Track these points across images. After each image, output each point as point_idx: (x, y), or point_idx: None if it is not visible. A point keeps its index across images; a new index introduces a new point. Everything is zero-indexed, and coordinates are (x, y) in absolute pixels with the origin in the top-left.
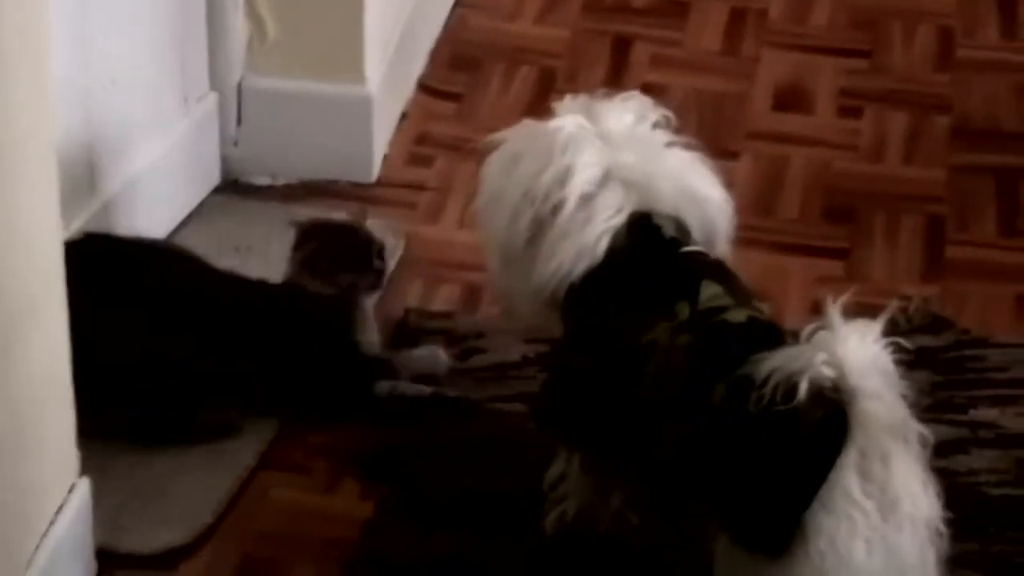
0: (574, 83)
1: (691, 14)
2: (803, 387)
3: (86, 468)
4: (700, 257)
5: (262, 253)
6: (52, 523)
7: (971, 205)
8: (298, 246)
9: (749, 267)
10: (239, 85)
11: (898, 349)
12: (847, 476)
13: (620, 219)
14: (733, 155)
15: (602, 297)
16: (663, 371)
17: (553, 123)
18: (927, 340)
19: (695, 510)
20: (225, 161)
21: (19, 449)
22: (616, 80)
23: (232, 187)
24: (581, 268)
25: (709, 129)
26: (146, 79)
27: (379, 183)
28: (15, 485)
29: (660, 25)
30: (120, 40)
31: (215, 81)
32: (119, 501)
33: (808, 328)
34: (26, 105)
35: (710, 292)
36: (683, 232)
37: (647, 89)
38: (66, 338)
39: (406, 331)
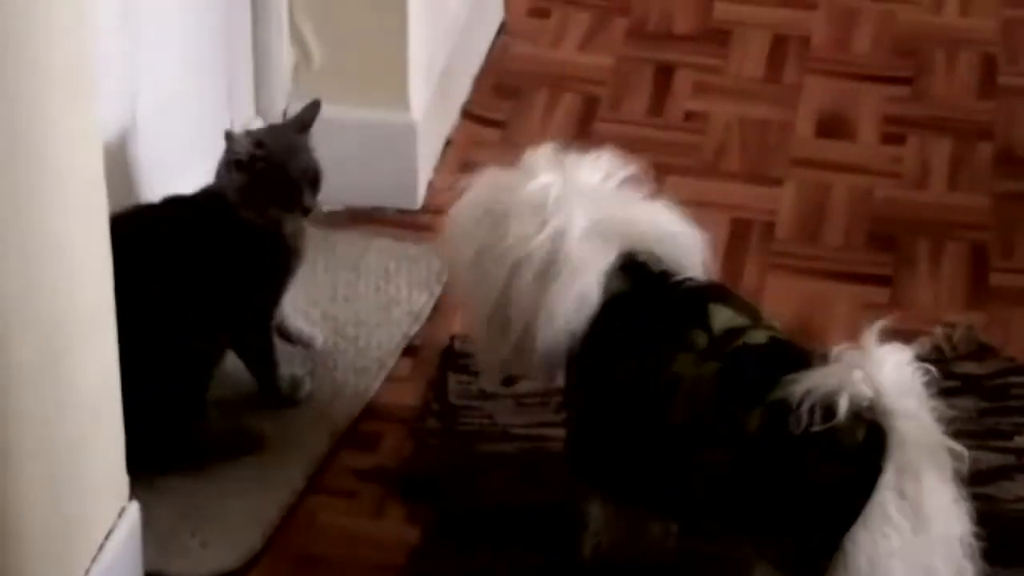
0: (617, 110)
1: (733, 41)
2: (842, 406)
3: (135, 492)
4: (698, 283)
5: (308, 278)
6: (102, 547)
7: (1015, 232)
8: (236, 167)
9: (793, 294)
10: (285, 112)
11: (940, 373)
12: (885, 495)
13: (606, 266)
14: (777, 182)
15: (613, 340)
16: (694, 402)
17: (538, 181)
18: (972, 367)
19: (731, 537)
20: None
21: (70, 471)
22: (659, 107)
23: None
24: (583, 318)
25: (752, 156)
26: (193, 106)
27: (424, 210)
28: (66, 508)
29: (702, 52)
30: (167, 67)
31: (261, 108)
32: (169, 525)
33: (838, 348)
34: (75, 132)
35: (722, 316)
36: (668, 266)
37: (689, 117)
38: (115, 356)
39: (452, 356)
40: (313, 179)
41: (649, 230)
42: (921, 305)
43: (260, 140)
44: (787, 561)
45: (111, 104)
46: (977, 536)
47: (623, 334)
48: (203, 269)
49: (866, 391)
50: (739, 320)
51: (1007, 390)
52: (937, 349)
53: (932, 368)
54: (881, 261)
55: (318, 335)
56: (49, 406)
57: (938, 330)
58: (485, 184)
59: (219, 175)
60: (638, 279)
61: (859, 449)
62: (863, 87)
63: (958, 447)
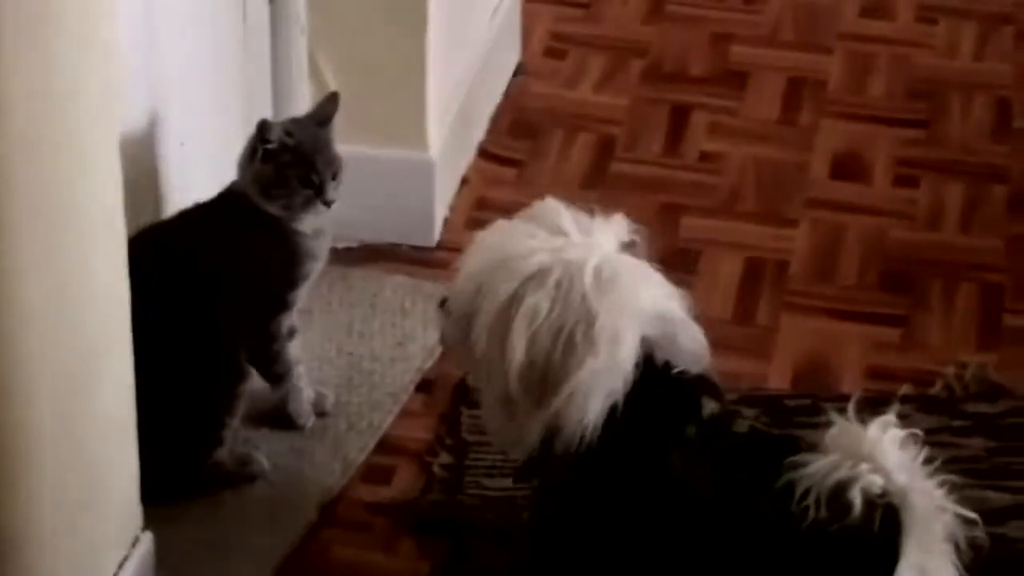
0: (633, 150)
1: (749, 83)
2: (856, 498)
3: (149, 521)
4: (692, 376)
5: (324, 315)
6: None
7: None
8: (265, 157)
9: (806, 333)
10: None
11: (950, 413)
12: (907, 573)
13: (635, 347)
14: (791, 223)
15: (619, 433)
16: (689, 498)
17: (597, 253)
18: (984, 407)
19: None
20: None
21: (84, 501)
22: (674, 148)
23: None
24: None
25: (767, 197)
26: (213, 141)
27: (440, 247)
28: (80, 537)
29: (718, 94)
30: (188, 103)
31: None
32: (181, 555)
33: (828, 433)
34: (96, 163)
35: (709, 408)
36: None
37: (705, 157)
38: (132, 384)
39: (464, 392)
40: (335, 173)
41: (666, 317)
42: (933, 345)
43: (289, 130)
44: None
45: (131, 138)
46: None
47: (622, 427)
48: (218, 275)
49: (876, 479)
50: (720, 409)
51: (1019, 429)
52: (948, 389)
53: (918, 433)
54: (894, 302)
55: (329, 395)
56: (65, 437)
57: (950, 370)
58: (499, 237)
59: (242, 167)
60: (645, 366)
61: (880, 538)
62: (878, 129)
63: (968, 514)
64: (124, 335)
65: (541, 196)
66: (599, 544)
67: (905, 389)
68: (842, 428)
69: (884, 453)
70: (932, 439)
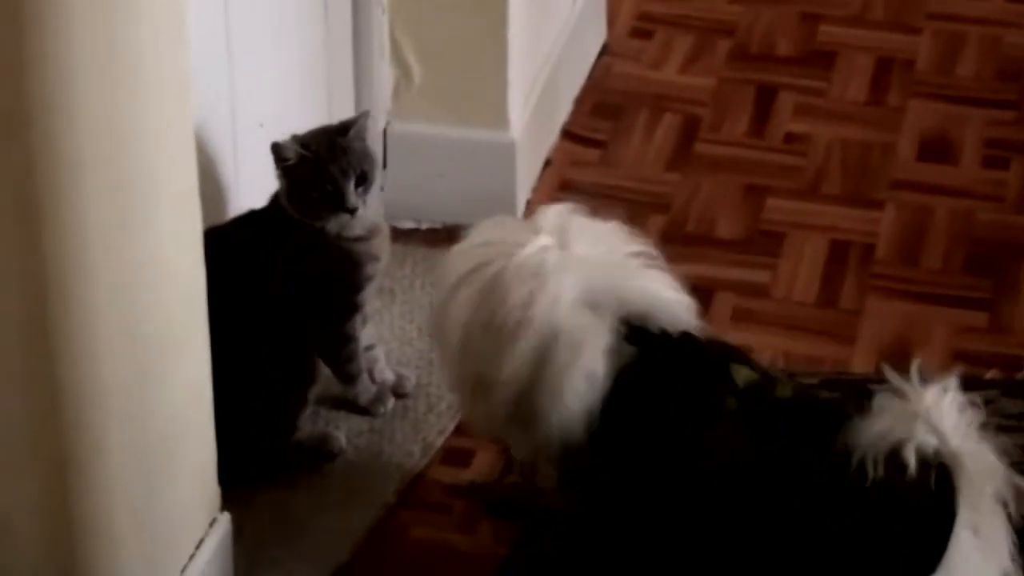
0: (718, 131)
1: (837, 64)
2: (911, 458)
3: (227, 503)
4: (709, 342)
5: (406, 296)
6: (192, 557)
7: None
8: (284, 173)
9: (891, 317)
10: (385, 130)
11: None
12: (962, 535)
13: (607, 339)
14: (877, 205)
15: (640, 415)
16: (746, 465)
17: (534, 244)
18: None
19: None
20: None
21: (161, 482)
22: (760, 129)
23: None
24: (597, 395)
25: (853, 179)
26: (294, 123)
27: None
28: (158, 519)
29: (805, 74)
30: (268, 85)
31: None
32: (259, 537)
33: (879, 392)
34: (171, 151)
35: (742, 374)
36: (665, 327)
37: (790, 139)
38: (208, 369)
39: None
40: (361, 178)
41: (640, 298)
42: (1021, 329)
43: (305, 142)
44: None
45: (210, 121)
46: None
47: (649, 408)
48: (274, 280)
49: (930, 438)
50: (757, 375)
51: None
52: None
53: (977, 399)
54: (981, 285)
55: (410, 377)
56: (141, 419)
57: None
58: (483, 237)
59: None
60: (643, 344)
61: (935, 497)
62: (967, 110)
63: (1019, 479)
64: (200, 321)
65: (625, 177)
66: (642, 537)
67: (991, 373)
68: (899, 391)
69: (939, 415)
70: (1019, 424)
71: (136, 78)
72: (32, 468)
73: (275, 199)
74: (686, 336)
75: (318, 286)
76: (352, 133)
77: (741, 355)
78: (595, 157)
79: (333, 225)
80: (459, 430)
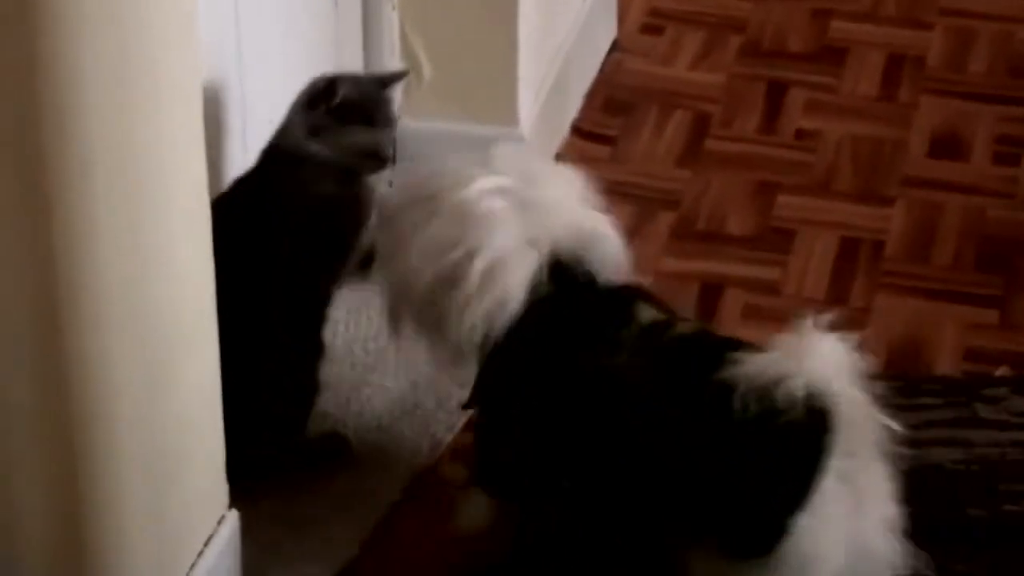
0: (728, 128)
1: (848, 60)
2: (785, 391)
3: (235, 500)
4: (621, 284)
5: None
6: (201, 555)
7: None
8: (331, 111)
9: (901, 313)
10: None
11: None
12: (828, 478)
13: (531, 271)
14: (888, 201)
15: (537, 338)
16: (631, 391)
17: (484, 182)
18: None
19: (671, 523)
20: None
21: (170, 481)
22: (770, 125)
23: None
24: (502, 322)
25: (864, 175)
26: None
27: None
28: (166, 516)
29: (816, 71)
30: (277, 81)
31: None
32: (267, 535)
33: (775, 336)
34: (179, 141)
35: (647, 313)
36: (592, 269)
37: (801, 135)
38: (217, 367)
39: None
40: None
41: (574, 239)
42: None
43: (354, 86)
44: (730, 545)
45: (219, 119)
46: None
47: (549, 332)
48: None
49: (807, 376)
50: (663, 316)
51: None
52: None
53: (855, 341)
54: (992, 282)
55: None
56: (150, 416)
57: None
58: (438, 171)
59: (295, 122)
60: (562, 282)
61: (804, 432)
62: (978, 107)
63: (894, 424)
64: (209, 322)
65: (635, 174)
66: (538, 452)
67: (1002, 371)
68: (789, 334)
69: (821, 358)
70: None
71: (146, 80)
72: (41, 467)
73: (271, 158)
74: (603, 280)
75: (327, 226)
76: (395, 87)
77: (652, 298)
78: (605, 153)
79: (368, 171)
80: (468, 427)
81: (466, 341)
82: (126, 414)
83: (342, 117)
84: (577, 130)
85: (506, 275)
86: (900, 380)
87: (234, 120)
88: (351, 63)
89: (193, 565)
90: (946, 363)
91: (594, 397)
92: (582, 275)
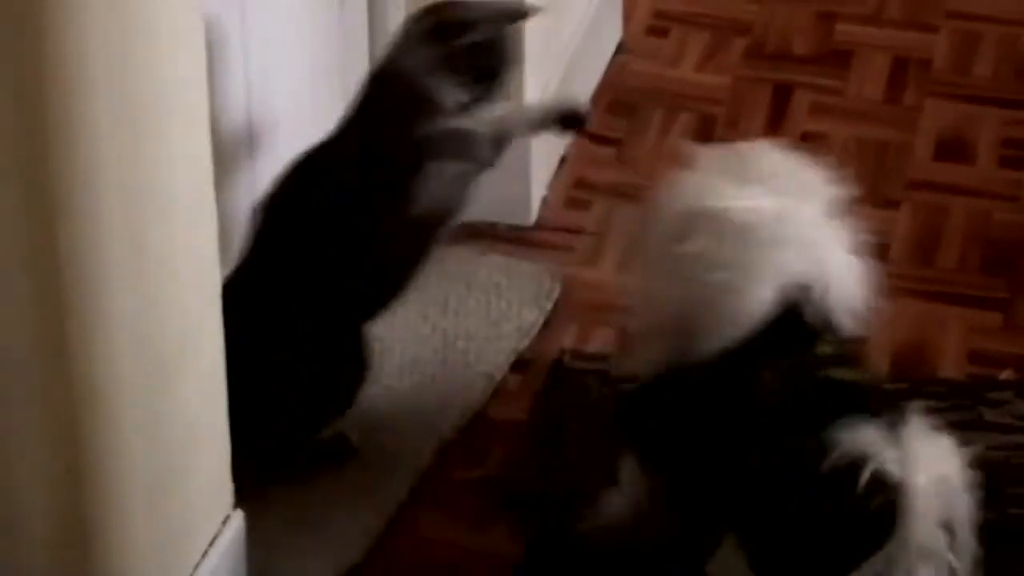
0: (734, 130)
1: (853, 63)
2: (864, 478)
3: (240, 500)
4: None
5: (418, 293)
6: (206, 555)
7: None
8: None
9: (906, 316)
10: None
11: None
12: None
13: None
14: (893, 204)
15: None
16: (759, 411)
17: (753, 206)
18: None
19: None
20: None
21: (174, 480)
22: (776, 128)
23: None
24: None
25: (869, 178)
26: (309, 117)
27: (537, 226)
28: (169, 516)
29: (821, 73)
30: (283, 78)
31: None
32: (273, 534)
33: (911, 422)
34: (185, 144)
35: (822, 349)
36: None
37: (806, 137)
38: (222, 368)
39: (561, 372)
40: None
41: (822, 274)
42: None
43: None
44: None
45: (225, 117)
46: None
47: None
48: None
49: (893, 468)
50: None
51: None
52: None
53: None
54: (997, 285)
55: None
56: (157, 419)
57: None
58: (701, 182)
59: (406, 52)
60: (788, 321)
61: (867, 521)
62: (983, 110)
63: (973, 545)
64: (216, 322)
65: (640, 176)
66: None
67: (1006, 374)
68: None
69: (916, 448)
70: None
71: (152, 79)
72: (45, 466)
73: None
74: (831, 331)
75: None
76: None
77: (859, 360)
78: (610, 155)
79: (480, 106)
80: (473, 428)
81: (718, 342)
82: (131, 417)
83: (469, 56)
84: (582, 131)
85: (751, 302)
86: (904, 383)
87: (239, 117)
88: (356, 60)
89: (198, 565)
90: (950, 366)
91: (735, 404)
92: (810, 322)
